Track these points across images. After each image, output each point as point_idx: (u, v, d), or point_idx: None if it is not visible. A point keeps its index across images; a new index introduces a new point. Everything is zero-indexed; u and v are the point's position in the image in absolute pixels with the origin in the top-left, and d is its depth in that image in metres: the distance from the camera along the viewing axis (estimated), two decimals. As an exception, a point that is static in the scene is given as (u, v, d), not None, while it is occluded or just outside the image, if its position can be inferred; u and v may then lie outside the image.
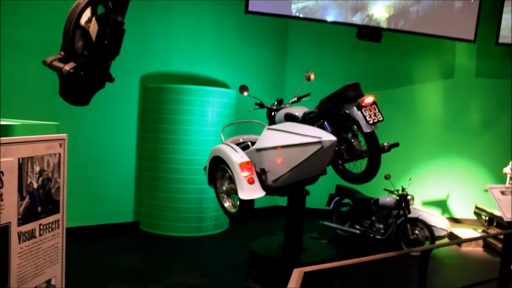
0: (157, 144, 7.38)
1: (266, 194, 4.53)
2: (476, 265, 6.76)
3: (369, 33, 7.98)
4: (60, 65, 2.51)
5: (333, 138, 4.15)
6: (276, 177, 4.44)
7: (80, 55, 2.61)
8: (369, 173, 4.53)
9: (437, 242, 6.99)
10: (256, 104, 5.60)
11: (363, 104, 4.38)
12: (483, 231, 7.83)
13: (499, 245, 7.10)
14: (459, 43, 8.99)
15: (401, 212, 6.91)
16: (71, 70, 2.50)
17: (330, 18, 8.02)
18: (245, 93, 5.47)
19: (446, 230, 7.10)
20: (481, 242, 7.54)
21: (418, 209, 7.20)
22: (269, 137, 4.58)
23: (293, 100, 5.41)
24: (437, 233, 6.94)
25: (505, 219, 4.75)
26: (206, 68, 8.13)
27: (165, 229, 7.36)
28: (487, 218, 7.73)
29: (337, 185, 7.82)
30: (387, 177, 6.97)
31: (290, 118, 5.28)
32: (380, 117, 4.36)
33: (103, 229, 7.23)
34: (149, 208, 7.51)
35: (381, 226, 7.08)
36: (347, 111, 4.50)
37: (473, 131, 9.24)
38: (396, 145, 4.87)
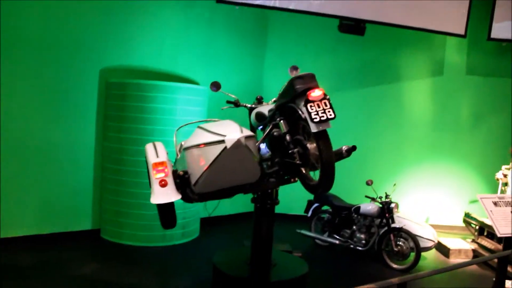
0: (120, 145, 6.73)
1: (196, 201, 4.14)
2: (466, 278, 6.20)
3: (352, 25, 7.37)
4: None
5: (236, 136, 3.66)
6: (194, 181, 3.91)
7: None
8: (322, 183, 3.92)
9: (424, 254, 6.50)
10: (230, 102, 5.07)
11: (309, 99, 3.75)
12: (473, 240, 7.27)
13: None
14: (449, 37, 8.45)
15: (384, 221, 6.40)
16: None
17: (309, 9, 7.38)
18: (217, 90, 4.95)
19: (433, 241, 6.55)
20: (470, 253, 6.99)
21: (403, 218, 6.63)
22: (194, 136, 4.05)
23: (276, 98, 4.78)
24: (423, 244, 6.39)
25: (498, 235, 4.18)
26: (174, 62, 7.50)
27: (128, 238, 6.72)
28: (477, 227, 7.17)
29: (316, 190, 7.24)
30: (369, 183, 6.44)
31: (260, 118, 4.85)
32: (330, 115, 3.70)
33: (59, 238, 6.61)
34: (112, 214, 6.86)
35: (362, 236, 6.53)
36: (295, 107, 3.89)
37: (463, 132, 8.70)
38: (354, 148, 4.35)
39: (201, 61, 7.82)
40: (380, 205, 6.43)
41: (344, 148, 4.28)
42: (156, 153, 3.94)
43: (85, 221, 6.94)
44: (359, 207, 6.58)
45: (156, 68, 7.32)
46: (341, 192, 7.35)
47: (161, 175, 3.75)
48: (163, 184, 3.73)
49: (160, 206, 3.97)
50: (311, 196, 7.22)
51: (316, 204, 7.19)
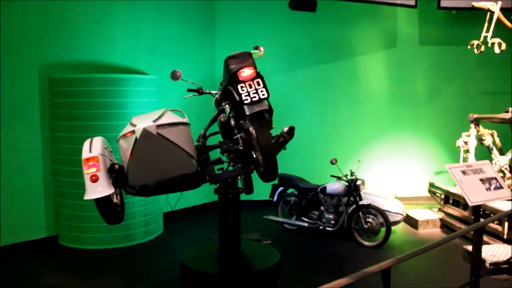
0: (73, 145, 6.30)
1: (135, 195, 4.08)
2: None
3: (303, 1, 7.15)
4: None
5: (143, 126, 3.48)
6: (126, 174, 3.79)
7: None
8: (265, 170, 3.75)
9: (394, 228, 6.44)
10: (192, 90, 4.75)
11: (240, 79, 3.54)
12: (439, 209, 7.29)
13: (458, 224, 6.59)
14: (400, 8, 8.36)
15: (352, 199, 6.31)
16: None
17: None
18: (177, 79, 4.61)
19: (402, 214, 6.52)
20: (438, 222, 7.01)
21: (370, 194, 6.56)
22: (125, 128, 3.91)
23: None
24: (392, 218, 6.35)
25: (469, 204, 4.10)
26: (122, 54, 7.10)
27: (88, 242, 6.38)
28: (442, 196, 7.18)
29: (279, 173, 7.04)
30: (333, 162, 6.32)
31: (218, 104, 4.59)
32: (263, 94, 3.52)
33: (13, 249, 6.17)
34: (68, 219, 6.47)
35: (331, 216, 6.43)
36: (231, 89, 3.67)
37: (421, 102, 8.72)
38: (292, 128, 4.11)
39: (149, 52, 7.46)
40: (346, 183, 6.32)
41: (284, 130, 4.06)
42: (90, 148, 3.77)
43: (39, 229, 6.51)
44: (325, 187, 6.45)
45: (103, 61, 6.91)
46: (306, 174, 7.25)
47: (92, 170, 3.63)
48: (94, 179, 3.61)
49: (96, 202, 3.79)
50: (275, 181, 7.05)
51: (281, 188, 7.02)
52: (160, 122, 3.55)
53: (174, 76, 4.58)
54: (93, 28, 6.79)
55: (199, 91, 4.72)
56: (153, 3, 7.42)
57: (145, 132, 3.44)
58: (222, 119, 4.05)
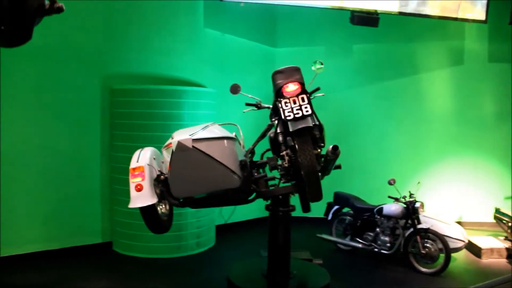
0: (130, 154, 6.36)
1: (178, 206, 4.05)
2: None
3: (365, 17, 6.98)
4: None
5: (179, 139, 3.44)
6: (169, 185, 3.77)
7: None
8: (308, 188, 3.59)
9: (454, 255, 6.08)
10: (250, 104, 4.67)
11: (284, 95, 3.42)
12: (506, 238, 6.82)
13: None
14: (469, 24, 8.00)
15: (410, 222, 6.02)
16: None
17: (319, 3, 7.02)
18: (236, 93, 4.58)
19: (463, 241, 6.14)
20: (504, 252, 6.55)
21: (429, 218, 6.23)
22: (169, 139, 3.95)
23: None
24: (453, 244, 5.99)
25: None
26: (181, 66, 7.17)
27: (141, 250, 6.46)
28: (510, 223, 6.72)
29: (335, 192, 6.91)
30: (391, 182, 6.07)
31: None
32: (307, 111, 3.38)
33: (69, 253, 6.34)
34: (122, 226, 6.59)
35: (386, 239, 6.16)
36: (278, 105, 3.56)
37: (488, 124, 8.27)
38: (336, 147, 3.87)
39: (208, 64, 7.52)
40: (404, 205, 6.05)
41: (329, 149, 3.88)
42: (138, 158, 3.81)
43: (95, 235, 6.68)
44: (381, 208, 6.21)
45: (162, 73, 7.02)
46: (362, 193, 7.03)
47: (138, 179, 3.68)
48: (138, 188, 3.66)
49: (140, 210, 3.83)
50: (330, 198, 6.89)
51: (336, 207, 6.84)
52: (198, 136, 3.52)
53: (234, 89, 4.55)
54: (154, 41, 6.92)
55: (258, 106, 4.62)
56: (215, 17, 7.48)
57: (180, 145, 3.43)
58: (271, 135, 3.96)
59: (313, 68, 4.15)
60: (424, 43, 8.28)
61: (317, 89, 4.24)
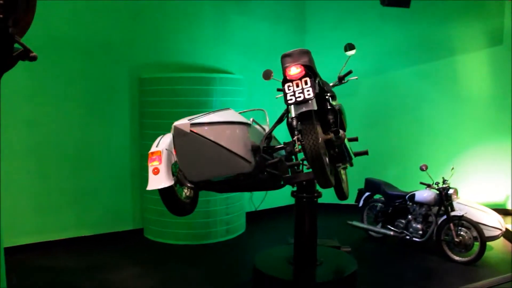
0: (159, 142, 6.50)
1: (192, 189, 4.09)
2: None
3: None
4: None
5: (180, 123, 3.34)
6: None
7: None
8: (313, 174, 3.49)
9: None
10: (281, 89, 4.60)
11: (287, 78, 3.29)
12: (546, 225, 6.56)
13: None
14: (508, 1, 7.61)
15: (443, 209, 5.84)
16: None
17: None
18: (268, 78, 4.46)
19: (500, 229, 5.92)
20: (544, 240, 6.30)
21: (464, 205, 6.02)
22: None
23: (334, 82, 4.32)
24: (488, 233, 5.78)
25: None
26: (209, 53, 7.18)
27: (171, 237, 6.53)
28: (550, 210, 6.45)
29: (366, 178, 6.79)
30: (423, 168, 5.88)
31: None
32: (309, 94, 3.23)
33: (101, 239, 6.52)
34: (154, 214, 6.67)
35: (419, 226, 6.01)
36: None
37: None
38: (336, 131, 3.66)
39: (236, 51, 7.47)
40: (437, 192, 5.88)
41: (342, 133, 3.69)
42: (157, 144, 3.81)
43: (126, 222, 6.80)
44: (414, 195, 6.06)
45: (190, 61, 7.03)
46: (394, 179, 6.87)
47: (155, 163, 3.71)
48: (155, 172, 3.68)
49: (160, 193, 3.85)
50: (361, 184, 6.77)
51: (367, 193, 6.72)
52: (197, 120, 3.44)
53: (266, 75, 4.48)
54: (181, 29, 6.94)
55: None
56: (242, 3, 7.41)
57: (176, 129, 3.37)
58: (290, 120, 3.88)
59: (347, 52, 4.04)
60: (459, 24, 7.94)
61: (350, 72, 4.14)
